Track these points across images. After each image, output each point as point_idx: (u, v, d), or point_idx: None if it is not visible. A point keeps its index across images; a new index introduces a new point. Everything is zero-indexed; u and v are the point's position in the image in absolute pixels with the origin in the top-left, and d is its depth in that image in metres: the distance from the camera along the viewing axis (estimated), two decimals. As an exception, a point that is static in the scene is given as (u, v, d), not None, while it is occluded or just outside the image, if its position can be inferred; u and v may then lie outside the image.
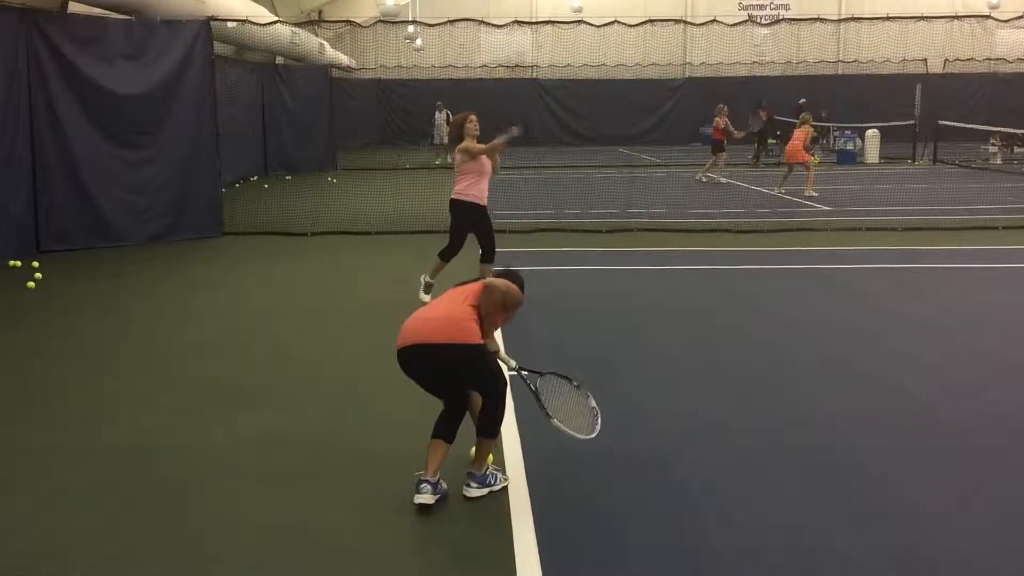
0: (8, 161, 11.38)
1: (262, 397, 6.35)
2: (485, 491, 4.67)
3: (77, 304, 9.39)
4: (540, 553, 4.09)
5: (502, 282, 4.84)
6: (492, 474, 4.75)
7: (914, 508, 4.54)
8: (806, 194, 18.58)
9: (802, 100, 32.70)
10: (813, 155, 22.39)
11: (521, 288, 4.99)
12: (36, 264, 10.89)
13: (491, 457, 4.79)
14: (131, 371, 7.02)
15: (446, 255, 9.04)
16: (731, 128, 22.02)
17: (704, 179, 21.74)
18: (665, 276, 10.73)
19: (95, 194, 12.49)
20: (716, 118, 22.09)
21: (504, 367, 4.89)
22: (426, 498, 4.47)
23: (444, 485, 4.63)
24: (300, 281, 10.58)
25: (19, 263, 11.06)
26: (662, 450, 5.31)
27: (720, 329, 8.15)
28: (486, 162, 8.80)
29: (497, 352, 4.95)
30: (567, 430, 4.65)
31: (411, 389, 4.75)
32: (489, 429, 4.74)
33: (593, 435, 4.68)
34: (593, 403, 4.82)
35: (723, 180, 21.65)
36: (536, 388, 4.80)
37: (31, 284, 10.05)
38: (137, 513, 4.56)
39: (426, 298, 8.67)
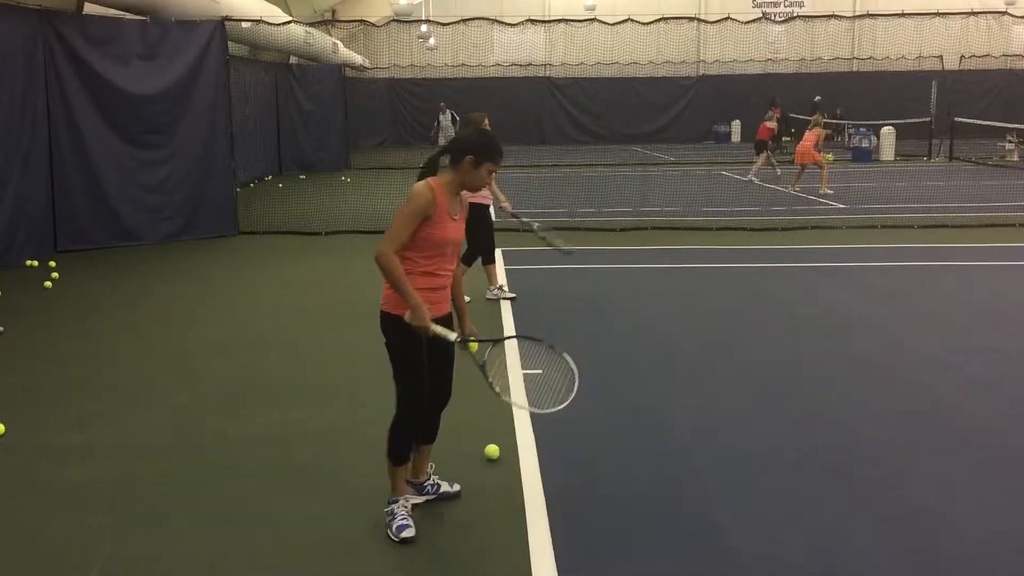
0: (26, 161, 11.45)
1: (278, 395, 6.37)
2: (422, 499, 4.50)
3: (93, 303, 9.44)
4: (555, 550, 4.08)
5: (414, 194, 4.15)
6: (433, 483, 4.53)
7: (933, 507, 4.51)
8: (821, 192, 18.50)
9: (817, 98, 32.52)
10: (827, 154, 22.35)
11: (468, 150, 4.19)
12: (53, 264, 10.97)
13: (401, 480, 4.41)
14: (147, 370, 7.06)
15: (489, 257, 9.09)
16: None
17: (757, 179, 21.61)
18: (680, 274, 10.70)
19: (111, 194, 12.56)
20: (767, 122, 22.09)
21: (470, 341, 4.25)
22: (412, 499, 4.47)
23: (448, 485, 4.57)
24: (314, 280, 10.61)
25: (36, 263, 11.14)
26: (677, 448, 5.29)
27: (735, 327, 8.12)
28: None
29: (427, 328, 4.07)
30: (526, 407, 4.23)
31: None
32: (387, 447, 4.33)
33: (563, 405, 4.03)
34: (571, 363, 4.09)
35: (754, 179, 21.49)
36: (484, 361, 4.18)
37: (48, 284, 10.12)
38: (154, 511, 4.58)
39: (512, 294, 9.22)
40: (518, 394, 4.18)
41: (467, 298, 4.89)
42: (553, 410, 4.05)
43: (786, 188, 19.14)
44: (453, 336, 4.18)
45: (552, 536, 4.21)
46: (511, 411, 5.82)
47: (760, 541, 4.19)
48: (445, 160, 4.29)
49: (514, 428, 5.56)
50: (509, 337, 4.34)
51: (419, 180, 4.23)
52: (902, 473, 4.92)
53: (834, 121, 33.87)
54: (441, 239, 4.19)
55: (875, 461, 5.08)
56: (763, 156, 21.70)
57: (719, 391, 6.33)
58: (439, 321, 4.23)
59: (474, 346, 4.25)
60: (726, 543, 4.17)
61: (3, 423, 5.66)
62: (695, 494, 4.68)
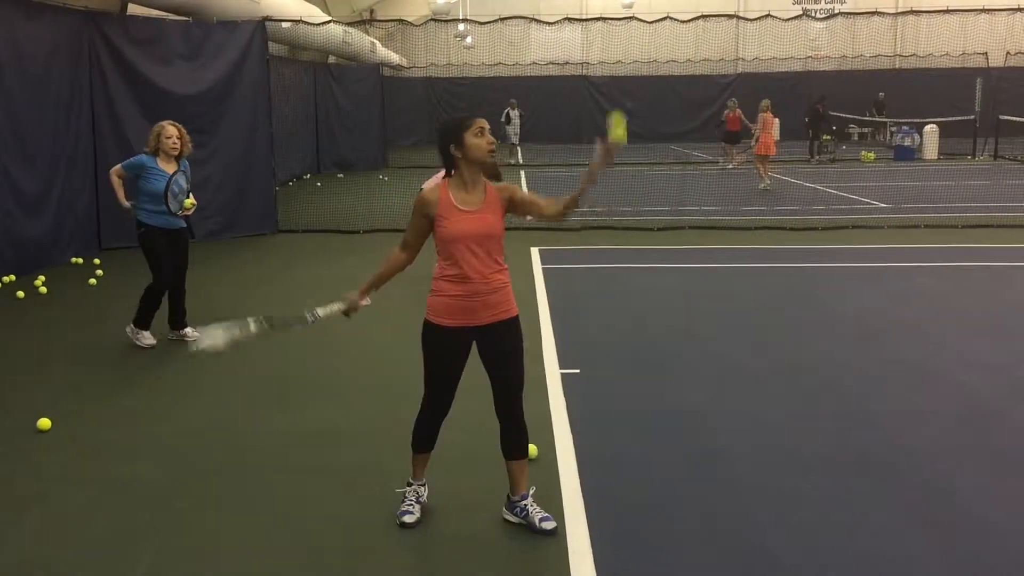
0: (72, 160, 11.66)
1: (319, 392, 6.42)
2: (514, 520, 4.34)
3: (137, 301, 9.55)
4: (593, 551, 4.07)
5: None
6: (523, 508, 4.31)
7: (980, 513, 4.43)
8: (760, 187, 18.43)
9: (881, 94, 32.13)
10: (867, 152, 22.32)
11: (446, 142, 4.17)
12: (97, 261, 11.16)
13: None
14: (190, 366, 7.14)
15: None
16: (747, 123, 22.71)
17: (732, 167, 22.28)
18: (718, 274, 10.62)
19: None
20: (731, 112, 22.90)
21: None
22: (507, 515, 4.37)
23: (538, 518, 4.28)
24: (353, 277, 10.61)
25: (81, 260, 11.33)
26: (716, 449, 5.25)
27: (775, 327, 8.04)
28: None
29: (351, 305, 4.43)
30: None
31: (462, 383, 4.60)
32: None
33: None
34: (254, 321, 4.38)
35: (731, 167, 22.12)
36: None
37: (93, 281, 10.29)
38: (200, 507, 4.64)
39: None
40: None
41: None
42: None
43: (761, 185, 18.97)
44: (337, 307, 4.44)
45: (591, 537, 4.20)
46: (549, 412, 5.81)
47: (801, 545, 4.14)
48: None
49: (552, 427, 5.56)
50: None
51: None
52: (948, 478, 4.84)
53: (877, 119, 33.44)
54: (448, 235, 4.13)
55: (920, 465, 5.00)
56: (733, 146, 22.18)
57: (759, 392, 6.27)
58: (482, 330, 4.21)
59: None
60: (766, 548, 4.12)
61: (49, 418, 5.76)
62: (735, 496, 4.63)
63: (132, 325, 7.71)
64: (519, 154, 28.29)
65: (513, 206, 4.26)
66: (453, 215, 4.14)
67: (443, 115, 37.52)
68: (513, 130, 28.65)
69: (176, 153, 7.65)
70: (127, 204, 7.70)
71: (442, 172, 4.34)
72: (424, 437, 4.44)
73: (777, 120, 19.38)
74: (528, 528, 4.28)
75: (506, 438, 4.34)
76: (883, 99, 32.17)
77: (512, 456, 4.35)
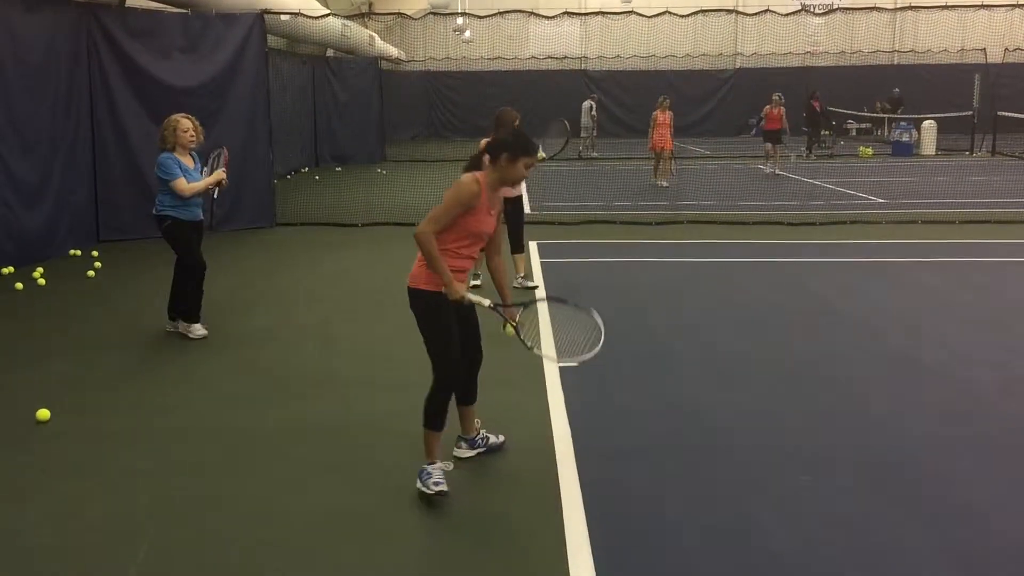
0: (71, 152, 11.65)
1: (315, 385, 6.43)
2: (474, 453, 4.97)
3: (135, 293, 9.58)
4: (592, 548, 4.07)
5: (450, 190, 4.47)
6: (483, 436, 5.02)
7: (978, 505, 4.45)
8: (660, 183, 18.55)
9: (896, 90, 32.08)
10: (865, 148, 22.01)
11: (504, 148, 4.47)
12: (95, 253, 11.16)
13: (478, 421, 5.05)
14: (189, 358, 7.15)
15: (518, 247, 9.34)
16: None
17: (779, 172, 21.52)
18: (716, 268, 10.64)
19: (152, 185, 12.65)
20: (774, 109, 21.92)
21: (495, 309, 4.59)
22: (463, 452, 4.94)
23: (494, 437, 5.04)
24: (352, 271, 10.68)
25: (79, 252, 11.33)
26: (716, 442, 5.27)
27: (773, 322, 8.06)
28: None
29: (463, 298, 4.45)
30: (556, 361, 4.81)
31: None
32: (424, 415, 4.55)
33: (590, 355, 4.47)
34: (598, 319, 4.50)
35: (779, 172, 21.50)
36: (516, 323, 4.59)
37: (91, 273, 10.29)
38: (197, 498, 4.65)
39: (534, 283, 9.52)
40: (548, 349, 4.70)
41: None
42: (576, 361, 4.59)
43: (661, 183, 18.89)
44: (487, 302, 4.54)
45: (588, 529, 4.21)
46: (547, 405, 5.83)
47: (800, 538, 4.16)
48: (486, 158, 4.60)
49: (550, 420, 5.57)
50: (536, 300, 5.01)
51: (465, 173, 4.56)
52: (945, 471, 4.86)
53: (876, 115, 33.47)
54: (477, 230, 4.53)
55: (917, 459, 5.02)
56: (777, 147, 21.66)
57: (756, 386, 6.30)
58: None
59: (510, 330, 4.61)
60: (765, 541, 4.14)
61: (49, 409, 5.77)
62: (733, 490, 4.65)
63: (181, 322, 7.65)
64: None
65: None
66: (484, 214, 4.53)
67: (441, 109, 37.60)
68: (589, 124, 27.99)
69: (194, 145, 7.63)
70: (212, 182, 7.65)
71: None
72: (444, 412, 4.58)
73: (670, 114, 19.27)
74: (489, 451, 4.97)
75: (472, 387, 4.92)
76: (899, 96, 32.11)
77: (472, 402, 4.95)
